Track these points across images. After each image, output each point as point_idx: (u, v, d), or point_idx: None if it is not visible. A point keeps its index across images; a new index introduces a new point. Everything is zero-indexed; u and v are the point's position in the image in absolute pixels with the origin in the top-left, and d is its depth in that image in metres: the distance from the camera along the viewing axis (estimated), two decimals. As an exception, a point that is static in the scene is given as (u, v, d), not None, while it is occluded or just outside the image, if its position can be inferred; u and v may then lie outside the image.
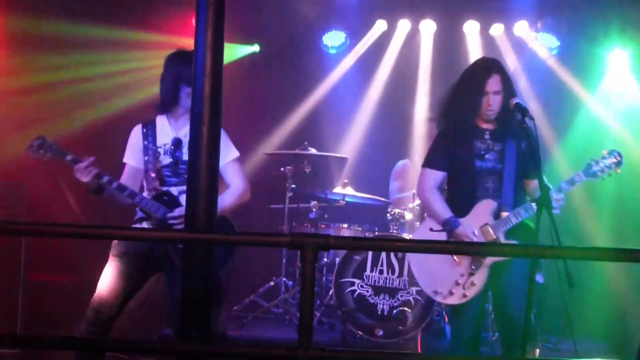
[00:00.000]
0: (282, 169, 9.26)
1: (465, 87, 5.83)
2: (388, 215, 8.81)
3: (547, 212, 5.25)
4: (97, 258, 8.98)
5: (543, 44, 10.35)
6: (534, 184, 5.75)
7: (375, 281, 8.11)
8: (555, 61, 10.34)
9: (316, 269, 4.49)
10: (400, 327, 8.00)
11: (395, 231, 8.60)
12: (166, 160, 6.00)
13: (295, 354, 3.93)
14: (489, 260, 5.66)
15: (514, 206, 5.69)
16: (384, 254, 8.09)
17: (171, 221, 5.84)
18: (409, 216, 8.76)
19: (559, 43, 10.30)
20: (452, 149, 5.82)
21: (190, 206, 5.03)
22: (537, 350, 7.56)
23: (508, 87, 5.78)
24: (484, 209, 5.72)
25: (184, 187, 5.91)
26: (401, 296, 8.09)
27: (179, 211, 5.81)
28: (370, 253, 8.11)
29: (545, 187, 5.30)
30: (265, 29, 10.63)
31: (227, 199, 6.11)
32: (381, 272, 8.12)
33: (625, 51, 10.07)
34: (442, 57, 10.58)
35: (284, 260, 9.24)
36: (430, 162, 5.94)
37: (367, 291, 8.10)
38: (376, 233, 8.69)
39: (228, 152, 6.20)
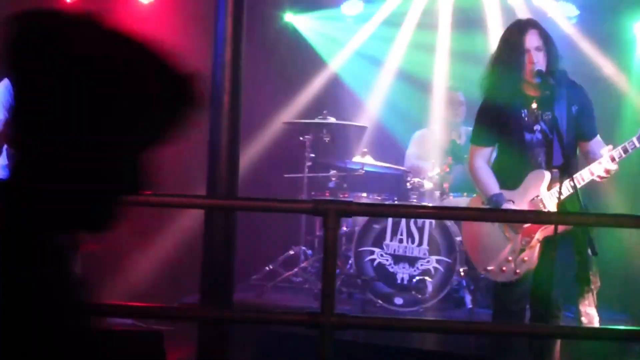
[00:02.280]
0: (300, 138, 9.23)
1: (503, 51, 5.65)
2: (407, 184, 8.76)
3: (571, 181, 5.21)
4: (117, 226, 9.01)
5: (562, 12, 10.23)
6: (591, 145, 5.63)
7: (394, 250, 8.10)
8: (575, 31, 10.21)
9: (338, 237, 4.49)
10: (419, 296, 7.99)
11: (414, 200, 8.56)
12: None
13: (318, 319, 3.94)
14: (540, 235, 5.51)
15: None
16: (403, 223, 8.07)
17: None
18: (428, 185, 8.70)
19: (579, 12, 10.18)
20: (498, 122, 5.65)
21: (212, 172, 5.02)
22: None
23: (549, 44, 5.58)
24: (534, 181, 5.59)
25: None
26: (421, 265, 8.07)
27: None
28: (389, 222, 8.08)
29: (566, 155, 5.23)
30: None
31: None
32: (401, 241, 8.10)
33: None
34: (460, 26, 10.48)
35: (303, 229, 9.22)
36: (477, 139, 5.83)
37: (387, 260, 8.09)
38: (396, 202, 8.66)
39: None
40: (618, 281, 8.76)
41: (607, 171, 5.41)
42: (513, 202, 5.56)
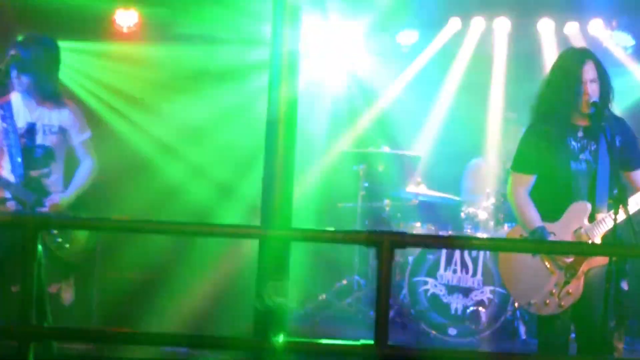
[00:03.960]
0: (355, 168, 9.28)
1: (559, 78, 5.57)
2: (462, 214, 8.77)
3: (623, 209, 5.17)
4: (175, 254, 9.12)
5: (618, 42, 10.18)
6: (637, 175, 5.58)
7: (448, 280, 8.09)
8: (631, 60, 10.16)
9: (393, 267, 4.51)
10: (474, 327, 7.97)
11: (469, 230, 8.56)
12: (24, 143, 6.23)
13: (372, 351, 3.95)
14: (584, 267, 5.44)
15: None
16: (457, 254, 8.07)
17: (44, 208, 6.11)
18: (483, 215, 8.70)
19: (634, 42, 10.12)
20: (544, 150, 5.56)
21: (266, 201, 5.08)
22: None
23: (603, 76, 5.53)
24: (577, 212, 5.51)
25: (44, 170, 6.34)
26: (475, 295, 8.05)
27: (51, 199, 6.29)
28: (444, 252, 8.08)
29: (621, 185, 5.19)
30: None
31: (82, 175, 6.56)
32: (455, 271, 8.10)
33: None
34: (516, 55, 10.47)
35: (356, 259, 9.25)
36: (520, 165, 5.71)
37: (441, 290, 8.09)
38: (450, 232, 8.65)
39: (83, 131, 6.58)
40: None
41: None
42: (554, 234, 5.49)
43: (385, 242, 4.07)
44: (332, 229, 5.82)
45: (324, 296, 9.07)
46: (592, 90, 5.47)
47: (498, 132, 9.75)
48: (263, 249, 5.13)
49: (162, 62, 9.75)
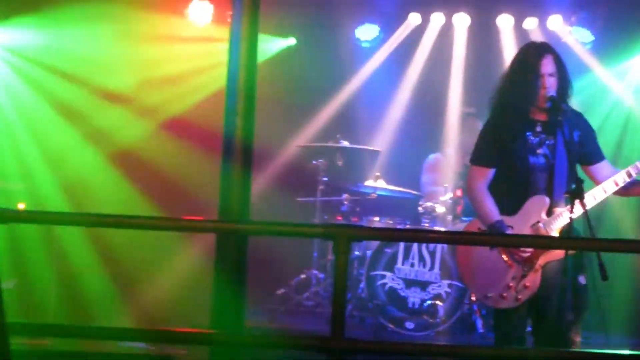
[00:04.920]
0: (314, 162, 9.28)
1: (517, 72, 5.59)
2: (420, 208, 8.79)
3: (580, 204, 5.19)
4: (130, 250, 9.11)
5: (577, 38, 10.26)
6: (598, 168, 5.63)
7: (406, 274, 8.13)
8: (590, 56, 10.24)
9: (347, 262, 4.51)
10: (431, 320, 8.01)
11: (427, 224, 8.59)
12: None
13: (328, 344, 3.96)
14: (541, 260, 5.45)
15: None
16: (415, 247, 8.10)
17: None
18: (440, 210, 8.74)
19: (594, 38, 10.21)
20: (503, 143, 5.58)
21: (224, 196, 5.05)
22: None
23: (562, 70, 5.54)
24: (535, 206, 5.52)
25: None
26: (432, 289, 8.09)
27: None
28: (401, 246, 8.12)
29: (578, 179, 5.22)
30: (301, 22, 10.64)
31: None
32: (412, 265, 8.13)
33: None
34: (475, 51, 10.52)
35: (315, 253, 9.26)
36: (479, 158, 5.71)
37: (399, 284, 8.12)
38: (408, 226, 8.68)
39: None
40: (631, 306, 8.78)
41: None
42: (512, 228, 5.50)
43: (342, 235, 4.07)
44: (292, 222, 5.89)
45: (282, 290, 9.06)
46: (550, 84, 5.48)
47: (456, 127, 9.78)
48: (220, 242, 5.11)
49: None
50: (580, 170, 5.56)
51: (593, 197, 5.50)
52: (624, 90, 10.06)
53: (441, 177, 9.24)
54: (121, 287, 8.89)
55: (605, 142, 9.37)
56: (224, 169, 5.25)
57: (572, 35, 10.26)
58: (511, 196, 5.59)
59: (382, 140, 10.53)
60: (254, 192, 5.31)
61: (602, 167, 5.66)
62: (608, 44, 10.13)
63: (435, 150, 9.69)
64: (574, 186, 5.24)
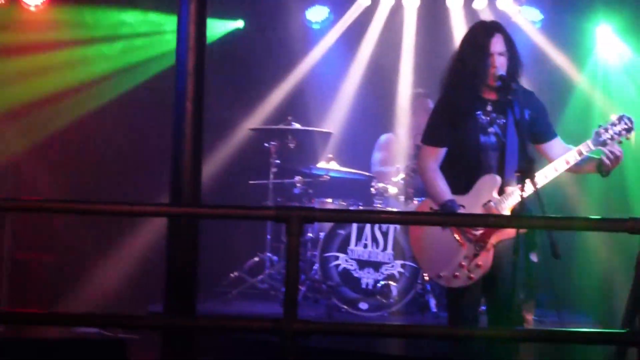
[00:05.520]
0: (265, 144, 9.27)
1: (467, 51, 5.61)
2: (372, 189, 8.81)
3: (531, 182, 5.22)
4: (81, 236, 9.06)
5: (526, 17, 10.31)
6: (551, 146, 5.68)
7: (359, 255, 8.14)
8: (540, 35, 10.30)
9: (301, 244, 4.52)
10: (384, 301, 8.03)
11: (379, 205, 8.61)
12: None
13: (280, 326, 3.96)
14: (493, 239, 5.47)
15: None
16: (367, 229, 8.12)
17: None
18: (393, 190, 8.77)
19: (543, 17, 10.27)
20: (454, 123, 5.59)
21: (175, 179, 5.03)
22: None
23: (512, 49, 5.58)
24: (486, 186, 5.54)
25: None
26: (385, 270, 8.12)
27: None
28: (354, 227, 8.13)
29: (529, 158, 5.25)
30: (249, 4, 10.60)
31: None
32: (365, 246, 8.15)
33: (610, 25, 10.02)
34: (425, 32, 10.54)
35: (269, 236, 9.25)
36: (430, 138, 5.71)
37: (352, 265, 8.13)
38: (360, 207, 8.70)
39: None
40: (583, 284, 8.89)
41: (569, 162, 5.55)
42: (464, 207, 5.52)
43: (294, 217, 4.07)
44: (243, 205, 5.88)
45: (236, 273, 9.05)
46: (500, 63, 5.51)
47: (408, 107, 9.80)
48: (172, 226, 5.08)
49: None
50: (534, 150, 5.62)
51: (544, 175, 5.53)
52: (575, 70, 10.12)
53: (393, 157, 9.27)
54: (73, 272, 8.83)
55: (561, 122, 9.61)
56: (175, 152, 5.22)
57: (521, 14, 10.31)
58: (462, 175, 5.62)
59: (334, 121, 10.53)
60: (205, 176, 5.30)
61: (553, 145, 5.69)
62: (558, 22, 10.19)
63: (387, 131, 9.71)
64: (524, 165, 5.27)
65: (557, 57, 10.18)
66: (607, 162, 5.54)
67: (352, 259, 8.14)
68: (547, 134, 5.70)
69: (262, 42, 10.61)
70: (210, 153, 9.63)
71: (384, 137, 9.57)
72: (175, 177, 5.10)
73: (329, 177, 9.19)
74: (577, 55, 10.14)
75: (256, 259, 9.23)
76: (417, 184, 8.54)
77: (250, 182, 9.52)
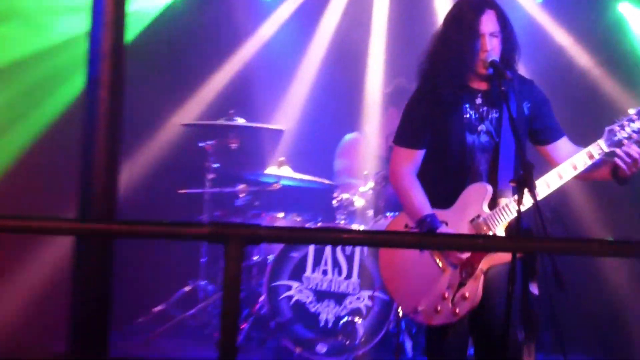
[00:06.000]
0: (201, 145, 9.23)
1: (452, 31, 5.60)
2: (334, 201, 8.80)
3: (530, 193, 5.19)
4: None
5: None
6: (557, 148, 5.66)
7: (317, 284, 8.11)
8: (542, 12, 10.34)
9: (243, 270, 4.46)
10: (348, 342, 8.00)
11: (342, 221, 8.60)
12: None
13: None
14: (483, 265, 5.45)
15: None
16: (328, 251, 8.09)
17: None
18: (359, 203, 8.75)
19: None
20: (435, 119, 5.59)
21: (85, 188, 4.95)
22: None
23: (507, 29, 5.57)
24: (475, 197, 5.52)
25: None
26: (350, 303, 8.08)
27: None
28: (311, 249, 8.11)
29: (527, 163, 5.23)
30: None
31: None
32: (325, 272, 8.12)
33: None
34: (401, 5, 10.56)
35: (203, 259, 9.21)
36: (405, 137, 5.71)
37: (308, 297, 8.10)
38: (319, 224, 8.68)
39: None
40: (593, 319, 8.93)
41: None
42: (447, 224, 5.51)
43: (234, 237, 4.01)
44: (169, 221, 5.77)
45: (161, 307, 8.98)
46: (492, 46, 5.49)
47: (379, 101, 9.81)
48: (80, 247, 5.01)
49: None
50: (534, 152, 5.61)
51: (546, 184, 5.50)
52: (585, 54, 10.16)
53: (361, 162, 9.26)
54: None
55: (565, 112, 9.62)
56: (84, 154, 5.15)
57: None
58: (445, 184, 5.62)
59: (288, 117, 10.55)
60: (123, 184, 5.24)
61: (560, 146, 5.68)
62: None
63: (354, 129, 9.74)
64: (522, 171, 5.25)
65: (563, 38, 10.22)
66: (624, 166, 5.48)
67: (308, 289, 8.10)
68: (551, 133, 5.69)
69: (199, 18, 10.55)
70: (131, 155, 9.58)
71: (349, 137, 9.59)
72: (84, 186, 5.02)
73: (280, 186, 9.18)
74: (589, 36, 10.17)
75: (187, 288, 9.19)
76: (389, 195, 8.54)
77: (181, 191, 9.46)
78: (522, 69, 5.79)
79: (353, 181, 9.08)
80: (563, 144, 5.69)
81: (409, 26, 10.16)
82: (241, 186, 9.18)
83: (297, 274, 8.13)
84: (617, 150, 5.49)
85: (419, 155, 5.66)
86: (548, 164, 5.65)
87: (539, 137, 5.67)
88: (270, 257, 8.32)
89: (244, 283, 5.33)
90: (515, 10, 10.04)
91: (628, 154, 5.48)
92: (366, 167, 9.04)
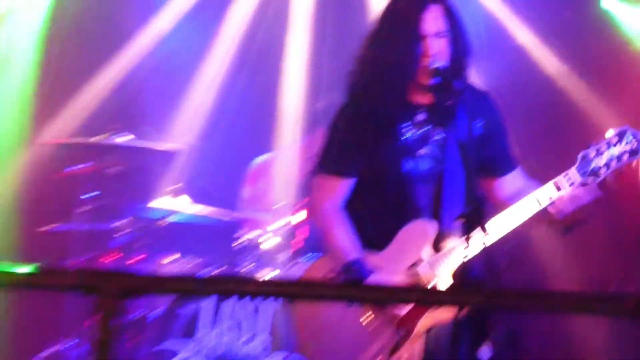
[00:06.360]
0: (69, 169, 9.14)
1: (387, 31, 5.60)
2: (240, 240, 8.76)
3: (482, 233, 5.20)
4: None
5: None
6: (507, 183, 5.69)
7: (214, 347, 8.08)
8: (502, 5, 10.41)
9: (119, 329, 4.41)
10: None
11: (249, 266, 8.56)
12: None
13: None
14: (426, 322, 5.47)
15: None
16: (229, 306, 8.06)
17: None
18: (271, 243, 8.73)
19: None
20: (366, 141, 5.60)
21: None
22: None
23: (456, 28, 5.56)
24: (414, 238, 5.54)
25: None
26: (257, 371, 8.09)
27: None
28: (207, 303, 8.07)
29: (476, 199, 5.22)
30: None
31: None
32: (224, 332, 8.09)
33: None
34: (328, 3, 10.60)
35: (73, 313, 9.11)
36: (329, 163, 5.73)
37: (202, 363, 8.08)
38: (220, 269, 8.64)
39: None
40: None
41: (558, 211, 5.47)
42: (380, 270, 5.49)
43: (107, 286, 3.96)
44: (28, 266, 5.64)
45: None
46: (437, 49, 5.49)
47: (302, 116, 9.84)
48: None
49: None
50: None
51: (504, 223, 5.50)
52: (552, 58, 10.25)
53: (273, 192, 9.25)
54: None
55: (538, 133, 9.64)
56: None
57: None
58: (379, 221, 5.66)
59: (183, 135, 10.51)
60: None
61: (509, 181, 5.73)
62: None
63: (267, 151, 9.72)
64: (473, 206, 5.26)
65: (529, 39, 10.30)
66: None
67: (201, 353, 8.06)
68: (502, 164, 5.73)
69: (73, 11, 10.48)
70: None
71: (261, 160, 9.60)
72: None
73: (172, 221, 9.10)
74: (561, 36, 10.25)
75: (54, 348, 9.08)
76: (307, 233, 8.52)
77: (42, 229, 9.36)
78: (476, 78, 5.80)
79: (264, 215, 9.05)
80: (513, 179, 5.72)
81: (334, 21, 10.18)
82: (123, 221, 9.08)
83: (189, 333, 8.10)
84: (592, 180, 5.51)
85: (346, 185, 5.69)
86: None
87: (490, 167, 5.68)
88: (156, 313, 8.26)
89: (119, 346, 5.32)
90: (469, 4, 10.08)
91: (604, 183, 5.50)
92: (281, 197, 9.03)
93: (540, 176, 5.62)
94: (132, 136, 9.20)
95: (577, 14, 10.16)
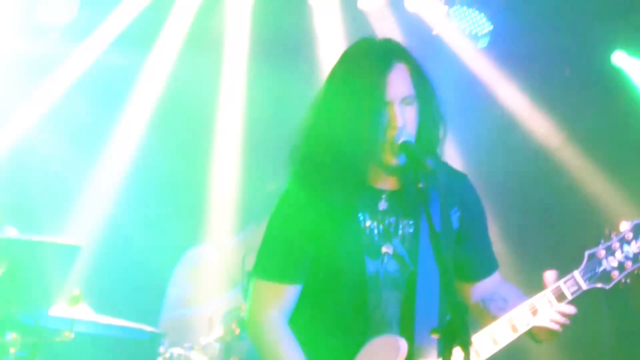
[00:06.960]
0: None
1: (342, 97, 5.45)
2: (161, 358, 8.74)
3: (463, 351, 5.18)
4: None
5: (462, 27, 10.48)
6: (486, 288, 5.67)
7: None
8: (485, 61, 10.50)
9: None
10: None
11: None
12: None
13: None
14: None
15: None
16: None
17: None
18: (199, 360, 8.75)
19: (492, 26, 10.45)
20: (316, 238, 5.51)
21: None
22: None
23: (425, 93, 5.46)
24: (380, 357, 5.42)
25: None
26: None
27: None
28: None
29: (457, 302, 5.17)
30: None
31: None
32: None
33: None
34: (268, 43, 10.68)
35: None
36: (269, 266, 5.63)
37: None
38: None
39: None
40: None
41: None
42: None
43: None
44: None
45: None
46: (405, 119, 5.42)
47: (234, 195, 9.88)
48: None
49: None
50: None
51: (492, 339, 5.49)
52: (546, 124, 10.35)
53: (204, 292, 9.26)
54: None
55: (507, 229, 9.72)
56: None
57: (451, 21, 10.48)
58: (334, 338, 5.56)
59: (88, 226, 10.49)
60: None
61: (487, 286, 5.71)
62: (520, 37, 10.44)
63: (196, 243, 9.72)
64: (451, 317, 5.21)
65: (518, 102, 10.38)
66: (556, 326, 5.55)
67: None
68: (480, 266, 5.72)
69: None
70: None
71: (188, 255, 9.60)
72: None
73: (73, 335, 9.08)
74: (558, 97, 10.34)
75: None
76: (246, 351, 8.53)
77: None
78: (452, 154, 5.80)
79: (192, 326, 9.05)
80: (491, 284, 5.70)
81: (277, 77, 10.26)
82: (11, 335, 9.06)
83: None
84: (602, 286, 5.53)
85: (291, 292, 5.61)
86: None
87: (467, 269, 5.66)
88: None
89: None
90: (443, 60, 10.17)
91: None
92: (214, 301, 9.05)
93: (534, 282, 5.62)
94: (15, 230, 9.24)
95: (580, 73, 10.26)
